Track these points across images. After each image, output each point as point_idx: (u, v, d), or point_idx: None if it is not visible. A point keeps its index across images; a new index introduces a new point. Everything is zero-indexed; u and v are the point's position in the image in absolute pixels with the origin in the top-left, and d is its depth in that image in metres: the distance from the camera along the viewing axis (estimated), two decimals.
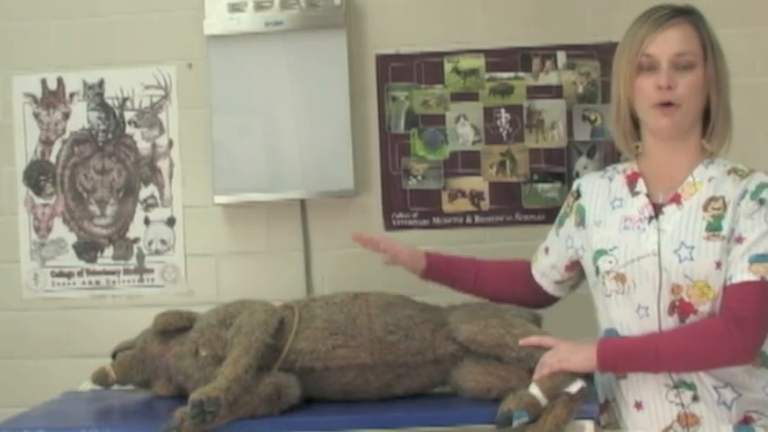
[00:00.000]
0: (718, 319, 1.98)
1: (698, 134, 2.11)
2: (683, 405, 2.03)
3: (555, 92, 3.01)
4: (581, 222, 2.21)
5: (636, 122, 2.15)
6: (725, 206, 2.02)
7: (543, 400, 2.01)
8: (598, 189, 2.20)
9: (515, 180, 3.01)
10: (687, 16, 2.09)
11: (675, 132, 2.08)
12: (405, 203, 3.03)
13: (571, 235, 2.24)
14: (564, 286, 2.32)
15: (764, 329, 1.98)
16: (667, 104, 2.05)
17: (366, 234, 2.41)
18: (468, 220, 3.02)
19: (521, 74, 3.02)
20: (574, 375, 2.04)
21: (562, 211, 2.30)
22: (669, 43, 2.05)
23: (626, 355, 2.03)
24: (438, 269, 2.36)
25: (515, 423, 1.98)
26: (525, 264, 2.37)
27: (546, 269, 2.31)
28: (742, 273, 1.97)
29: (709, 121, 2.10)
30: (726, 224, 2.00)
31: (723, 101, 2.09)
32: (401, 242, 2.41)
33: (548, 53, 3.01)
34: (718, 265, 1.99)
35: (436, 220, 3.03)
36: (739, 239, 1.99)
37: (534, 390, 2.02)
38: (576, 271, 2.27)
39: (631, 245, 2.07)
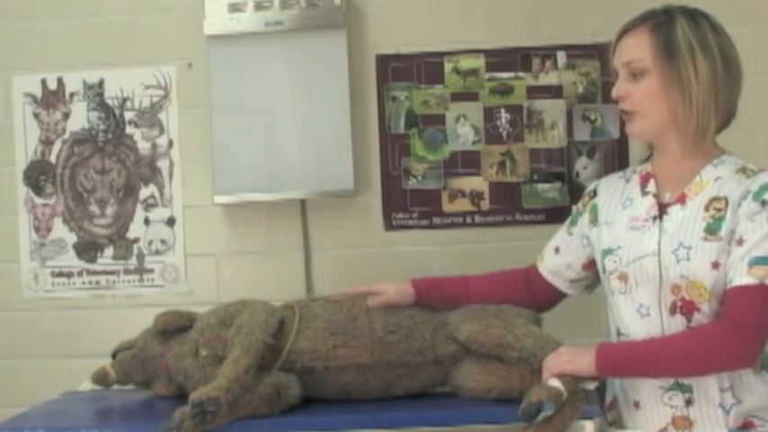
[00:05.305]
0: (717, 324, 1.96)
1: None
2: (676, 408, 2.03)
3: (555, 92, 3.01)
4: (594, 221, 2.21)
5: None
6: (726, 206, 2.00)
7: (564, 393, 2.00)
8: (614, 189, 2.21)
9: (515, 180, 3.01)
10: (649, 20, 2.07)
11: (647, 137, 2.12)
12: (405, 203, 3.03)
13: (586, 234, 2.23)
14: (579, 285, 2.30)
15: (764, 334, 1.95)
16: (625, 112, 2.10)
17: (353, 288, 2.37)
18: (468, 220, 3.02)
19: (521, 74, 3.02)
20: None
21: (575, 210, 2.30)
22: (621, 53, 2.09)
23: (624, 362, 2.01)
24: (428, 294, 2.33)
25: (542, 415, 1.96)
26: (520, 271, 2.35)
27: (559, 268, 2.29)
28: (741, 276, 1.94)
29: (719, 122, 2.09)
30: (725, 225, 1.99)
31: (694, 101, 2.02)
32: (387, 281, 2.35)
33: (548, 53, 3.01)
34: (714, 265, 1.98)
35: (436, 220, 3.03)
36: (740, 242, 1.96)
37: (556, 383, 2.01)
38: (593, 270, 2.25)
39: (634, 244, 2.07)
